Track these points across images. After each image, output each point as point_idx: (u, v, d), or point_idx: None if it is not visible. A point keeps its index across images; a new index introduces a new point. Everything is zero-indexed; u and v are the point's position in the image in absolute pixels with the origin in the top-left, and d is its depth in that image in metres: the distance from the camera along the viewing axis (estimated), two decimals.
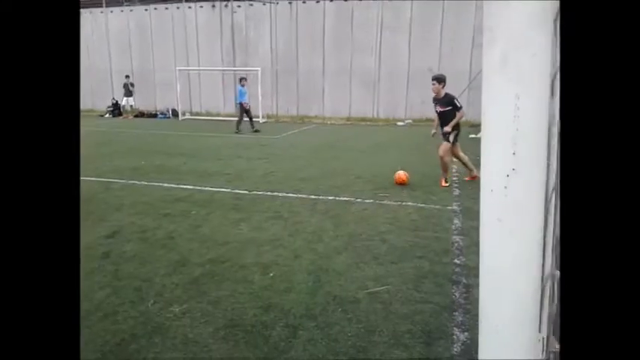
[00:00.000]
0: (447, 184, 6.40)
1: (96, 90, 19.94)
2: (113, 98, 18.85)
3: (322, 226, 4.59)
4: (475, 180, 6.44)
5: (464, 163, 6.79)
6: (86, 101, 19.74)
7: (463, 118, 6.55)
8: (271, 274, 3.44)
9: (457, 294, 3.15)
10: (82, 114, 18.14)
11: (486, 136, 0.74)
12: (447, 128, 6.38)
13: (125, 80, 18.24)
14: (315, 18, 17.17)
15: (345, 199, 5.69)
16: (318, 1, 17.09)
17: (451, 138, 6.44)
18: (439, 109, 6.49)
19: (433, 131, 6.92)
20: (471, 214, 5.02)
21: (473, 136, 12.41)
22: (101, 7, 19.63)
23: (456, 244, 4.09)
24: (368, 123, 16.46)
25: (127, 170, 7.36)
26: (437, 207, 5.32)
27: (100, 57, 19.87)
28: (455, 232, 4.44)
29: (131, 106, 18.36)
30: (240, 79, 13.30)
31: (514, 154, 0.73)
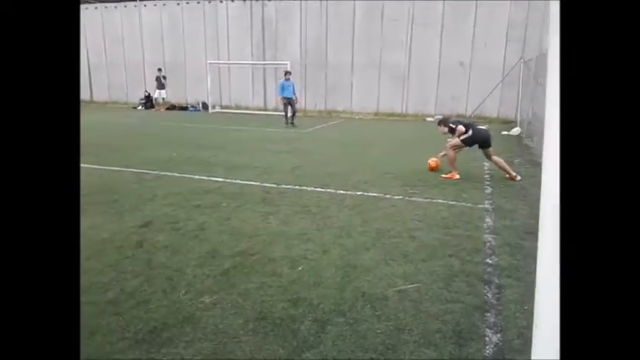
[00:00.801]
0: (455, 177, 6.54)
1: (130, 83, 20.43)
2: (146, 91, 19.28)
3: (350, 222, 4.56)
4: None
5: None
6: (121, 94, 20.27)
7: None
8: (300, 268, 3.45)
9: (489, 294, 3.07)
10: (116, 106, 18.67)
11: (551, 136, 0.70)
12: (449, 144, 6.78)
13: (157, 73, 18.62)
14: (345, 13, 17.05)
15: (373, 194, 5.64)
16: None
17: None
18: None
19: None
20: (503, 212, 4.89)
21: (505, 133, 12.10)
22: (135, 1, 20.05)
23: (487, 244, 4.00)
24: (396, 118, 16.27)
25: (158, 161, 7.52)
26: (468, 205, 5.21)
27: (133, 50, 20.34)
28: (487, 230, 4.34)
29: (163, 98, 18.73)
30: (285, 73, 13.21)
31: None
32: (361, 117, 16.75)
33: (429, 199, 5.41)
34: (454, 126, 6.80)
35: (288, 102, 13.02)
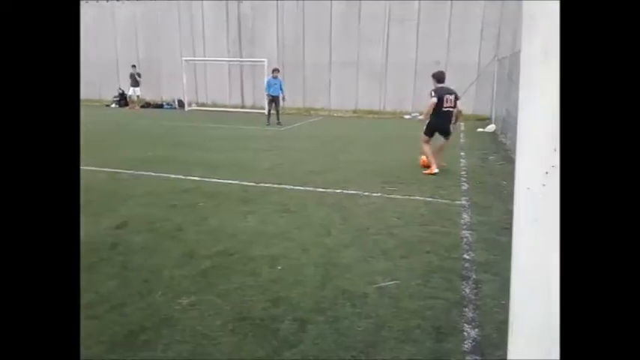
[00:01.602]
0: (433, 172, 6.63)
1: (103, 80, 19.92)
2: (120, 88, 18.85)
3: (330, 220, 4.57)
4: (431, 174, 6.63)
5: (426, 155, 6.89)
6: (93, 91, 19.75)
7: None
8: (279, 267, 3.43)
9: (467, 290, 3.12)
10: (89, 104, 18.19)
11: (524, 131, 0.71)
12: (420, 117, 7.06)
13: (132, 70, 18.20)
14: (322, 10, 17.02)
15: (353, 192, 5.66)
16: None
17: (423, 127, 6.90)
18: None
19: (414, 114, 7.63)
20: (480, 208, 4.98)
21: (481, 130, 12.33)
22: None
23: (465, 239, 4.06)
24: (375, 116, 16.37)
25: (134, 161, 7.36)
26: (445, 201, 5.28)
27: (106, 47, 19.84)
28: (464, 227, 4.41)
29: (137, 96, 18.34)
30: (273, 70, 12.97)
31: (555, 150, 0.70)
32: (340, 115, 16.78)
33: (408, 196, 5.46)
34: (431, 95, 6.75)
35: (273, 99, 12.87)
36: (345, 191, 5.69)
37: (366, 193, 5.59)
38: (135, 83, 18.13)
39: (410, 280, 3.25)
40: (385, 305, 2.89)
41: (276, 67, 13.66)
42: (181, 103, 18.12)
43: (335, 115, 16.75)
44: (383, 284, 3.17)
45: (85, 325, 2.62)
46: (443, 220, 4.60)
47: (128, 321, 2.68)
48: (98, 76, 19.77)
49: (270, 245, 3.86)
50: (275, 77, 12.70)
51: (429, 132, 6.85)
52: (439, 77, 7.05)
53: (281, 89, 12.78)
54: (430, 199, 5.38)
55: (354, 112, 17.11)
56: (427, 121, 6.86)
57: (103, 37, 19.87)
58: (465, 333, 2.61)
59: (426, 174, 6.62)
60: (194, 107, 18.20)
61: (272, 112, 13.04)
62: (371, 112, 16.90)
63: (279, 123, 12.75)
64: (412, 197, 5.44)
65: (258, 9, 17.78)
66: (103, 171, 6.61)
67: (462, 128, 12.41)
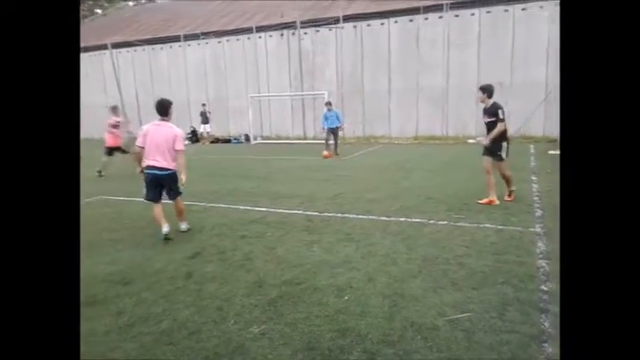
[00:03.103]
0: (511, 198, 6.29)
1: (176, 119, 21.40)
2: (191, 126, 20.12)
3: (395, 249, 4.51)
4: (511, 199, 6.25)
5: (507, 181, 6.37)
6: None
7: (511, 132, 6.32)
8: (346, 297, 3.43)
9: (547, 324, 2.92)
10: None
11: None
12: (485, 141, 6.25)
13: (202, 108, 19.43)
14: (380, 39, 17.28)
15: (417, 220, 5.56)
16: (382, 23, 17.21)
17: (503, 154, 6.21)
18: (486, 119, 6.32)
19: (479, 139, 6.92)
20: (556, 236, 4.67)
21: (552, 152, 11.65)
22: (179, 41, 21.22)
23: (541, 270, 3.82)
24: (437, 142, 16.07)
25: (205, 193, 7.77)
26: (518, 229, 5.02)
27: (178, 88, 21.39)
28: (540, 256, 4.16)
29: (207, 132, 19.45)
30: (326, 104, 13.32)
31: None
32: (400, 142, 16.67)
33: (476, 224, 5.27)
34: (501, 116, 6.03)
35: (331, 131, 13.09)
36: (408, 219, 5.61)
37: (432, 221, 5.47)
38: (205, 120, 19.28)
39: (483, 312, 3.10)
40: (457, 339, 2.78)
41: (329, 100, 13.92)
42: (247, 138, 18.98)
43: (395, 142, 16.67)
44: (454, 317, 3.06)
45: (164, 351, 2.77)
46: (516, 248, 4.38)
47: (203, 347, 2.80)
48: (172, 115, 21.27)
49: (335, 275, 3.88)
50: (329, 110, 12.96)
51: (507, 152, 6.21)
52: (492, 91, 6.30)
53: (338, 119, 12.99)
54: (501, 226, 5.15)
55: (415, 138, 16.93)
56: (504, 143, 6.17)
57: (175, 79, 21.50)
58: None
59: (483, 203, 6.21)
60: (259, 140, 18.96)
61: (330, 142, 13.24)
62: (432, 137, 16.63)
63: (337, 154, 12.90)
64: (481, 225, 5.23)
65: (317, 43, 18.41)
66: None
67: (532, 150, 11.82)
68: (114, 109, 10.74)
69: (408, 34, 16.85)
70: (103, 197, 7.58)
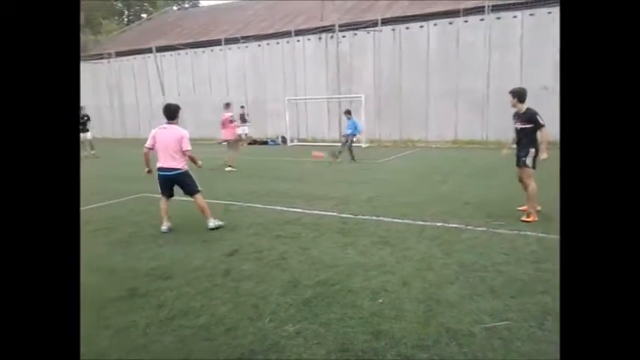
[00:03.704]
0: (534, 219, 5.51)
1: (215, 120, 21.97)
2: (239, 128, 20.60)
3: (431, 254, 4.46)
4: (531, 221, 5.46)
5: (528, 195, 5.70)
6: (208, 131, 21.81)
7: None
8: (380, 301, 3.42)
9: None
10: (203, 142, 20.05)
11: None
12: (544, 155, 5.58)
13: (241, 111, 19.82)
14: (419, 42, 17.09)
15: (454, 225, 5.47)
16: (421, 26, 17.02)
17: (528, 160, 5.67)
18: (519, 125, 5.83)
19: (505, 151, 6.42)
20: None
21: None
22: (220, 45, 21.77)
23: None
24: (476, 146, 15.71)
25: (242, 194, 7.94)
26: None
27: (219, 91, 21.94)
28: None
29: (246, 134, 19.83)
30: (345, 112, 13.23)
31: None
32: (438, 146, 16.41)
33: (516, 231, 5.12)
34: (542, 122, 5.53)
35: (345, 137, 12.92)
36: (445, 224, 5.52)
37: (469, 227, 5.36)
38: (244, 122, 19.67)
39: (522, 321, 3.03)
40: (495, 347, 2.73)
41: (348, 109, 13.69)
42: (284, 140, 19.22)
43: (433, 146, 16.43)
44: (492, 324, 3.00)
45: (202, 346, 2.86)
46: (558, 257, 4.22)
47: (239, 344, 2.87)
48: (211, 116, 21.82)
49: (370, 278, 3.88)
50: (349, 118, 12.79)
51: (534, 162, 5.75)
52: (524, 95, 5.83)
53: (355, 128, 12.75)
54: (542, 234, 4.98)
55: (454, 142, 16.61)
56: (532, 150, 5.69)
57: (215, 81, 22.07)
58: None
59: (525, 221, 5.54)
60: (296, 143, 19.15)
61: (343, 147, 13.07)
62: (472, 142, 16.27)
63: (353, 160, 12.62)
64: (522, 232, 5.09)
65: (355, 46, 18.43)
66: (216, 203, 7.22)
67: None
68: (227, 106, 11.99)
69: (447, 37, 16.59)
70: (146, 195, 7.88)
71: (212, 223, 5.58)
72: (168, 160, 5.35)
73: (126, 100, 25.40)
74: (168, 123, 5.50)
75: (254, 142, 19.66)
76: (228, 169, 11.26)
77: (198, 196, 5.60)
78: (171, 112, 5.51)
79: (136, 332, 3.06)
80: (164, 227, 5.51)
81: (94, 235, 5.49)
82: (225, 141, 11.83)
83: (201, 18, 28.75)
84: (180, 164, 5.42)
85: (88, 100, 26.10)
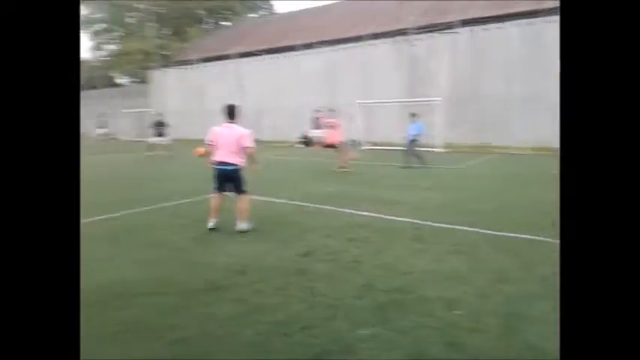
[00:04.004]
0: None
1: (292, 125, 22.60)
2: (306, 130, 21.05)
3: (508, 265, 4.27)
4: None
5: None
6: (281, 133, 22.50)
7: None
8: (457, 312, 3.35)
9: None
10: (276, 145, 20.71)
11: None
12: None
13: (315, 114, 20.19)
14: (498, 43, 16.35)
15: (532, 237, 5.18)
16: (500, 27, 16.27)
17: None
18: None
19: None
20: None
21: None
22: (294, 50, 22.38)
23: None
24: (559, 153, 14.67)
25: (315, 196, 8.11)
26: None
27: (294, 94, 22.54)
28: None
29: (319, 137, 20.13)
30: (411, 115, 12.93)
31: None
32: (517, 152, 15.56)
33: None
34: None
35: (410, 141, 12.54)
36: (522, 235, 5.25)
37: (548, 240, 5.05)
38: (317, 126, 19.97)
39: None
40: None
41: (414, 112, 13.27)
42: (356, 143, 19.28)
43: (512, 152, 15.61)
44: None
45: (280, 342, 2.98)
46: None
47: (315, 343, 2.95)
48: (287, 120, 22.49)
49: (445, 287, 3.80)
50: (414, 122, 12.40)
51: None
52: None
53: (419, 131, 12.35)
54: None
55: (535, 149, 15.67)
56: None
57: (291, 86, 22.70)
58: None
59: None
60: (368, 146, 19.15)
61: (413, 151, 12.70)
62: (553, 149, 15.23)
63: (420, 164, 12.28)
64: None
65: (431, 48, 18.04)
66: (292, 204, 7.46)
67: None
68: (331, 111, 12.87)
69: (528, 38, 15.71)
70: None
71: (244, 225, 5.71)
72: (228, 155, 5.63)
73: (207, 104, 26.96)
74: (229, 122, 5.80)
75: (330, 146, 19.80)
76: (341, 169, 11.55)
77: (245, 196, 5.82)
78: (233, 112, 5.83)
79: (216, 323, 3.23)
80: (211, 224, 5.74)
81: (180, 230, 5.88)
82: (331, 145, 12.17)
83: (278, 24, 29.75)
84: (238, 161, 5.70)
85: (175, 104, 28.03)
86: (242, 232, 5.64)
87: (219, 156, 5.70)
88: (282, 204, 7.41)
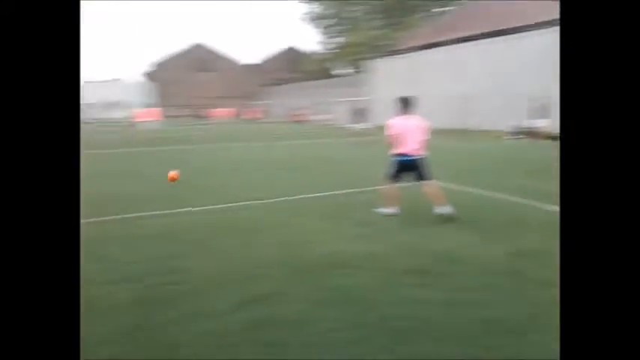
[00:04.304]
0: None
1: (502, 112, 20.84)
2: (521, 120, 19.07)
3: None
4: None
5: None
6: (495, 121, 20.93)
7: None
8: None
9: None
10: (482, 134, 19.34)
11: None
12: None
13: (536, 103, 18.07)
14: None
15: None
16: None
17: None
18: None
19: None
20: None
21: None
22: (514, 34, 20.33)
23: None
24: None
25: (532, 191, 7.32)
26: None
27: (509, 81, 20.65)
28: None
29: (541, 128, 17.95)
30: None
31: None
32: None
33: None
34: None
35: None
36: None
37: None
38: (542, 115, 17.77)
39: None
40: None
41: None
42: None
43: None
44: None
45: (490, 341, 2.83)
46: None
47: (529, 344, 2.73)
48: (501, 107, 20.79)
49: None
50: None
51: None
52: None
53: None
54: None
55: None
56: None
57: (507, 71, 20.83)
58: None
59: None
60: None
61: None
62: None
63: None
64: None
65: None
66: (507, 199, 6.94)
67: None
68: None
69: None
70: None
71: (444, 209, 5.59)
72: (412, 146, 5.71)
73: (423, 90, 27.12)
74: (405, 113, 5.84)
75: (552, 138, 17.40)
76: None
77: (431, 182, 5.81)
78: (409, 104, 5.87)
79: (426, 307, 3.23)
80: (390, 210, 5.89)
81: (399, 218, 5.92)
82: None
83: (498, 6, 27.64)
84: (421, 151, 5.80)
85: (389, 92, 29.21)
86: (444, 216, 5.55)
87: (403, 147, 5.80)
88: (480, 195, 6.92)
